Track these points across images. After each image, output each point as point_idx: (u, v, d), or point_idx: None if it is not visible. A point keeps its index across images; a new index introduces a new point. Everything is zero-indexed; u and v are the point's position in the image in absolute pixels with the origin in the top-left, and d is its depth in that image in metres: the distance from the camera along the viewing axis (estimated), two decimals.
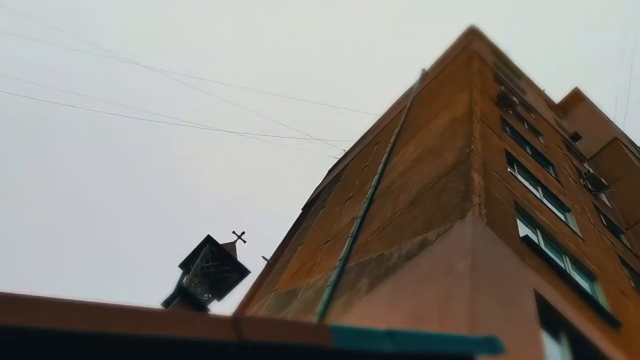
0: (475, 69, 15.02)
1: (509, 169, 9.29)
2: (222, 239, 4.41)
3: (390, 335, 2.99)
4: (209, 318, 2.34)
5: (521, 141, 12.06)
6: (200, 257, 3.45)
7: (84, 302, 1.92)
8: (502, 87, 15.16)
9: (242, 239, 4.02)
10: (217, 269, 3.45)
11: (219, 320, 2.26)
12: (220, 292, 3.52)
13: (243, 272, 3.65)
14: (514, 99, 14.07)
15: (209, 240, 3.59)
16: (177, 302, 3.02)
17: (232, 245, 3.83)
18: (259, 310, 11.66)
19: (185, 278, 3.39)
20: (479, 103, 11.86)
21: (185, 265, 3.55)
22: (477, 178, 7.52)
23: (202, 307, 3.23)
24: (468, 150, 8.55)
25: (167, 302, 3.12)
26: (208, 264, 3.42)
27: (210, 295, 3.45)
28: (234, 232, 3.99)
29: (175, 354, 2.19)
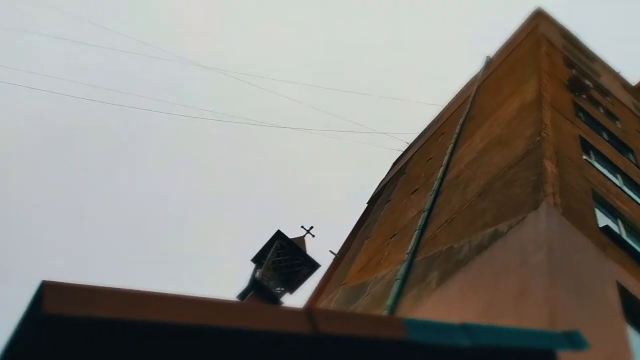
0: (543, 53, 14.33)
1: (584, 157, 8.82)
2: (290, 234, 4.51)
3: (466, 328, 2.94)
4: (284, 310, 2.41)
5: (597, 127, 11.40)
6: (271, 252, 3.55)
7: (185, 296, 2.04)
8: (574, 71, 14.38)
9: (311, 234, 4.10)
10: (289, 263, 3.53)
11: (294, 312, 2.32)
12: (292, 286, 3.60)
13: (313, 265, 3.71)
14: (587, 82, 13.32)
15: (279, 235, 3.68)
16: (252, 295, 3.13)
17: (302, 239, 3.90)
18: (328, 304, 11.78)
19: (258, 272, 3.49)
20: (549, 88, 11.31)
21: (258, 260, 3.66)
22: (550, 167, 7.19)
23: (275, 300, 3.32)
24: (539, 138, 8.19)
25: (243, 296, 3.23)
26: (279, 259, 3.51)
27: (282, 289, 3.54)
28: (302, 227, 4.07)
29: (253, 345, 2.27)
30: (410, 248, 8.92)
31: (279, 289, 3.45)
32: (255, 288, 3.18)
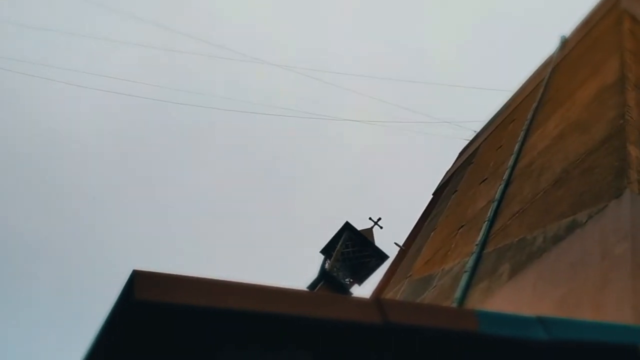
0: (626, 30, 13.34)
1: None
2: (358, 226, 4.51)
3: (542, 321, 2.84)
4: (354, 300, 2.43)
5: None
6: (340, 243, 3.57)
7: (263, 285, 2.13)
8: None
9: (378, 225, 4.08)
10: (357, 254, 3.54)
11: (364, 302, 2.34)
12: (360, 277, 3.62)
13: (382, 257, 3.70)
14: None
15: (347, 226, 3.69)
16: (322, 285, 3.17)
17: (370, 231, 3.90)
18: (394, 296, 11.74)
19: (327, 263, 3.54)
20: (633, 68, 10.51)
21: (327, 251, 3.70)
22: (634, 152, 6.71)
23: (344, 291, 3.35)
24: (622, 121, 7.66)
25: (313, 286, 3.29)
26: (348, 250, 3.53)
27: (351, 280, 3.56)
28: (370, 219, 4.06)
29: (323, 334, 2.32)
30: (478, 239, 8.68)
31: (347, 279, 3.47)
32: (325, 278, 3.22)
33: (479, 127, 26.10)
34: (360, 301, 2.38)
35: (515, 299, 6.01)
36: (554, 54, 21.27)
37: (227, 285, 2.01)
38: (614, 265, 4.56)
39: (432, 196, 21.35)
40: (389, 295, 12.59)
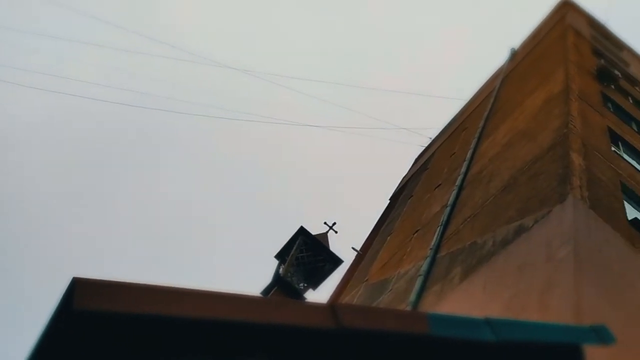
0: (570, 44, 14.03)
1: (613, 148, 8.63)
2: (314, 230, 4.56)
3: (490, 323, 2.92)
4: (308, 305, 2.44)
5: (626, 117, 11.13)
6: (294, 248, 3.59)
7: (210, 291, 2.10)
8: (602, 61, 14.05)
9: (333, 230, 4.12)
10: (311, 259, 3.56)
11: (318, 307, 2.35)
12: (315, 282, 3.64)
13: (336, 261, 3.73)
14: (616, 72, 13.00)
15: (301, 231, 3.71)
16: (275, 291, 3.17)
17: (324, 235, 3.93)
18: (350, 300, 11.81)
19: (281, 268, 3.54)
20: (576, 79, 11.07)
21: (281, 256, 3.70)
22: (576, 159, 7.06)
23: (298, 296, 3.36)
24: (565, 130, 8.04)
25: (266, 291, 3.28)
26: (302, 254, 3.54)
27: (305, 285, 3.58)
28: (325, 223, 4.10)
29: (278, 339, 2.31)
30: (432, 243, 8.87)
31: (302, 284, 3.48)
32: (279, 284, 3.22)
33: (434, 134, 26.76)
34: (315, 306, 2.39)
35: (466, 301, 6.18)
36: (503, 65, 22.10)
37: (176, 292, 1.97)
38: (557, 267, 4.77)
39: (389, 201, 21.69)
40: (346, 299, 12.67)
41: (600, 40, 18.00)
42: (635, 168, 8.45)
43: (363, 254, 15.89)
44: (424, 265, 8.29)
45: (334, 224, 4.06)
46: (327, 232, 3.99)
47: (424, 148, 26.03)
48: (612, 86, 12.38)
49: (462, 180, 11.44)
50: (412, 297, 7.45)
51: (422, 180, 17.85)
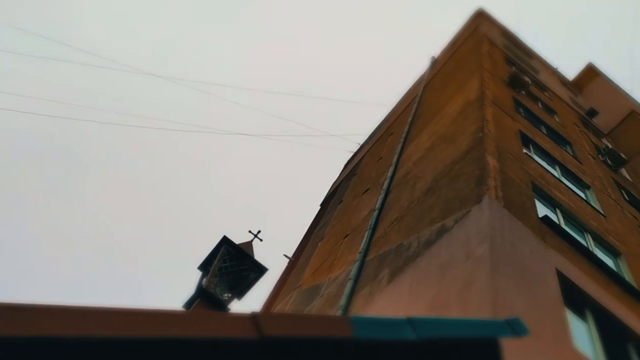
0: (484, 52, 14.86)
1: (524, 150, 9.20)
2: (242, 239, 4.49)
3: (411, 323, 3.00)
4: (229, 316, 2.38)
5: (536, 121, 11.92)
6: (217, 258, 3.50)
7: (110, 308, 1.98)
8: (513, 68, 14.98)
9: (258, 238, 4.07)
10: (235, 269, 3.50)
11: (239, 318, 2.31)
12: (239, 291, 3.57)
13: (261, 270, 3.69)
14: (526, 79, 13.90)
15: (225, 240, 3.64)
16: (198, 303, 3.08)
17: (249, 244, 3.88)
18: (283, 307, 11.76)
19: (204, 279, 3.45)
20: (490, 86, 11.73)
21: (204, 267, 3.61)
22: (491, 161, 7.46)
23: (222, 307, 3.28)
24: (481, 134, 8.48)
25: (188, 304, 3.17)
26: (226, 264, 3.47)
27: (230, 295, 3.50)
28: (250, 232, 4.04)
29: (198, 354, 2.24)
30: (361, 247, 9.03)
31: (226, 295, 3.41)
32: (201, 295, 3.13)
33: (362, 139, 27.34)
34: (236, 317, 2.34)
35: (393, 301, 6.33)
36: (425, 72, 23.04)
37: (86, 312, 1.86)
38: (476, 265, 5.00)
39: (319, 207, 21.87)
40: (278, 307, 12.59)
41: (512, 49, 19.22)
42: (545, 168, 9.05)
43: (295, 261, 15.89)
44: (354, 269, 8.42)
45: (259, 232, 4.02)
46: (252, 240, 3.94)
47: (352, 154, 26.52)
48: (523, 92, 13.23)
49: (389, 184, 11.75)
50: (343, 301, 7.53)
51: (352, 185, 18.16)
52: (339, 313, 7.18)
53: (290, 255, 16.78)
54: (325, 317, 2.75)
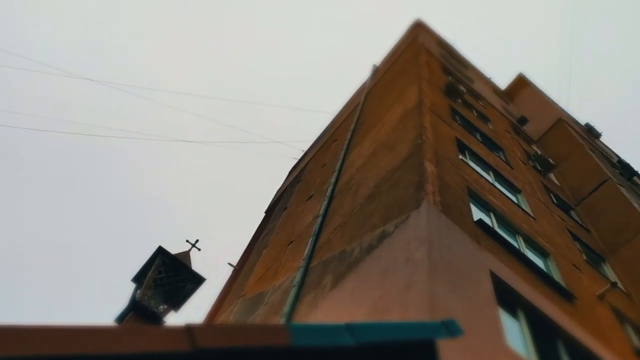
0: (422, 62, 15.34)
1: (460, 156, 9.55)
2: (184, 249, 4.37)
3: (350, 328, 3.03)
4: (161, 330, 2.31)
5: (471, 128, 12.41)
6: (152, 269, 3.40)
7: (34, 325, 1.87)
8: (450, 78, 15.55)
9: (196, 247, 3.98)
10: (171, 280, 3.40)
11: (172, 330, 2.24)
12: (176, 303, 3.47)
13: (199, 280, 3.61)
14: (462, 88, 14.45)
15: (160, 251, 3.54)
16: (131, 317, 2.96)
17: (186, 254, 3.78)
18: (227, 316, 11.56)
19: (138, 292, 3.33)
20: (428, 94, 12.12)
21: (138, 279, 3.49)
22: (429, 167, 7.69)
23: (157, 320, 3.18)
24: (420, 141, 8.73)
25: (121, 318, 3.05)
26: (161, 275, 3.37)
27: (165, 307, 3.39)
28: (187, 241, 3.94)
29: None
30: (305, 254, 9.04)
31: (161, 307, 3.30)
32: (134, 308, 3.01)
33: (306, 146, 27.46)
34: (169, 329, 2.27)
35: (336, 307, 6.37)
36: (367, 80, 23.51)
37: (7, 330, 1.75)
38: (415, 269, 5.13)
39: (264, 214, 21.71)
40: (222, 316, 12.36)
41: (449, 59, 19.96)
42: (479, 174, 9.43)
43: (240, 269, 15.68)
44: (298, 276, 8.40)
45: (197, 241, 3.93)
46: (190, 250, 3.84)
47: (297, 160, 26.57)
48: (459, 100, 13.75)
49: (332, 191, 11.85)
50: (287, 308, 7.49)
51: (296, 192, 18.17)
52: (282, 320, 7.14)
53: (235, 263, 16.56)
54: (262, 326, 2.72)
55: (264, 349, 2.53)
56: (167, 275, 3.46)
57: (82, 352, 1.90)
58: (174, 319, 3.50)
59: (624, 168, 15.87)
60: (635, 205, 10.99)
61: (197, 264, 4.02)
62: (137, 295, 3.33)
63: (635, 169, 16.41)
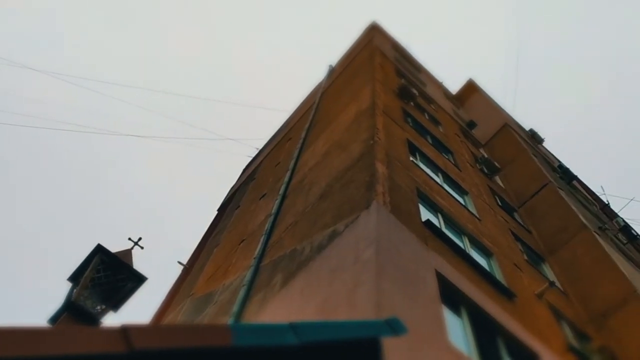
0: (377, 64, 15.55)
1: (411, 158, 9.74)
2: (124, 247, 4.23)
3: (293, 328, 3.02)
4: (95, 331, 2.23)
5: (422, 131, 12.68)
6: (89, 268, 3.27)
7: None
8: (403, 80, 15.83)
9: (139, 245, 3.85)
10: (110, 279, 3.28)
11: (107, 331, 2.17)
12: (115, 303, 3.35)
13: (140, 279, 3.50)
14: (414, 91, 14.74)
15: (99, 249, 3.41)
16: (65, 317, 2.84)
17: (128, 252, 3.66)
18: (175, 317, 11.32)
19: (73, 291, 3.20)
20: (382, 96, 12.29)
21: (75, 278, 3.35)
22: (380, 168, 7.80)
23: (93, 321, 3.06)
24: (372, 141, 8.84)
25: (54, 319, 2.92)
26: (99, 274, 3.24)
27: (103, 307, 3.27)
28: (129, 239, 3.81)
29: None
30: (256, 253, 8.97)
31: (98, 307, 3.17)
32: (68, 309, 2.88)
33: (261, 144, 27.27)
34: (104, 330, 2.20)
35: (286, 306, 6.36)
36: (323, 80, 23.60)
37: None
38: (363, 268, 5.19)
39: (216, 212, 21.40)
40: (170, 316, 12.09)
41: (403, 62, 20.32)
42: (429, 175, 9.65)
43: (190, 268, 15.39)
44: (248, 275, 8.33)
45: (140, 239, 3.81)
46: (132, 248, 3.72)
47: (251, 158, 26.36)
48: (412, 103, 14.03)
49: (285, 189, 11.82)
50: (236, 307, 7.41)
51: (249, 190, 18.02)
52: (231, 320, 7.06)
53: (185, 262, 16.23)
54: (202, 326, 2.67)
55: (203, 349, 2.49)
56: (106, 275, 3.34)
57: (7, 355, 1.81)
58: (113, 319, 3.38)
59: (564, 173, 16.66)
60: (574, 208, 11.56)
61: (142, 263, 3.91)
62: (72, 295, 3.20)
63: (575, 173, 17.26)
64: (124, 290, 3.35)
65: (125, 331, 2.16)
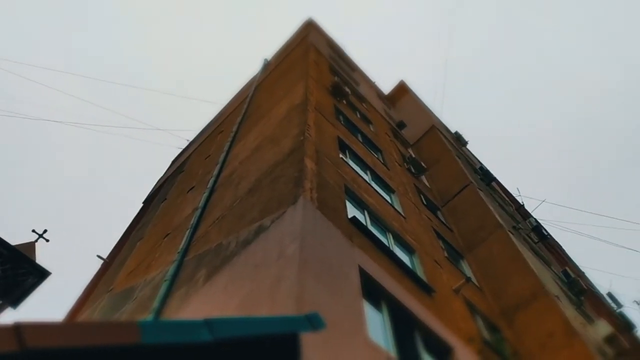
0: (311, 61, 15.58)
1: (341, 155, 9.84)
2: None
3: (208, 324, 2.95)
4: None
5: (353, 129, 12.86)
6: None
7: None
8: (336, 78, 15.98)
9: (44, 238, 3.60)
10: (9, 273, 3.04)
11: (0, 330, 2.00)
12: (15, 299, 3.11)
13: (43, 273, 3.27)
14: (347, 89, 14.92)
15: None
16: None
17: (31, 245, 3.40)
18: (92, 313, 10.79)
19: None
20: (314, 93, 12.33)
21: None
22: (309, 164, 7.82)
23: None
24: (302, 137, 8.84)
25: None
26: None
27: (0, 303, 3.03)
28: (33, 231, 3.54)
29: None
30: (181, 247, 8.73)
31: None
32: None
33: (192, 136, 26.55)
34: None
35: (208, 302, 6.22)
36: (257, 73, 23.34)
37: None
38: (286, 263, 5.17)
39: (142, 204, 20.60)
40: (86, 313, 11.50)
41: (337, 60, 20.51)
42: (357, 173, 9.80)
43: (110, 262, 14.72)
44: (171, 270, 8.08)
45: (45, 231, 3.55)
46: (36, 241, 3.46)
47: (181, 150, 25.61)
48: (344, 101, 14.19)
49: (214, 183, 11.58)
50: (156, 303, 7.17)
51: (177, 182, 17.50)
52: (150, 316, 6.82)
53: (105, 256, 15.50)
54: (109, 324, 2.55)
55: (108, 348, 2.37)
56: (4, 269, 3.09)
57: None
58: (10, 317, 3.13)
59: (485, 174, 17.54)
60: (491, 208, 12.19)
61: (49, 257, 3.65)
62: None
63: (494, 175, 18.22)
64: (24, 285, 3.11)
65: (19, 329, 2.01)
